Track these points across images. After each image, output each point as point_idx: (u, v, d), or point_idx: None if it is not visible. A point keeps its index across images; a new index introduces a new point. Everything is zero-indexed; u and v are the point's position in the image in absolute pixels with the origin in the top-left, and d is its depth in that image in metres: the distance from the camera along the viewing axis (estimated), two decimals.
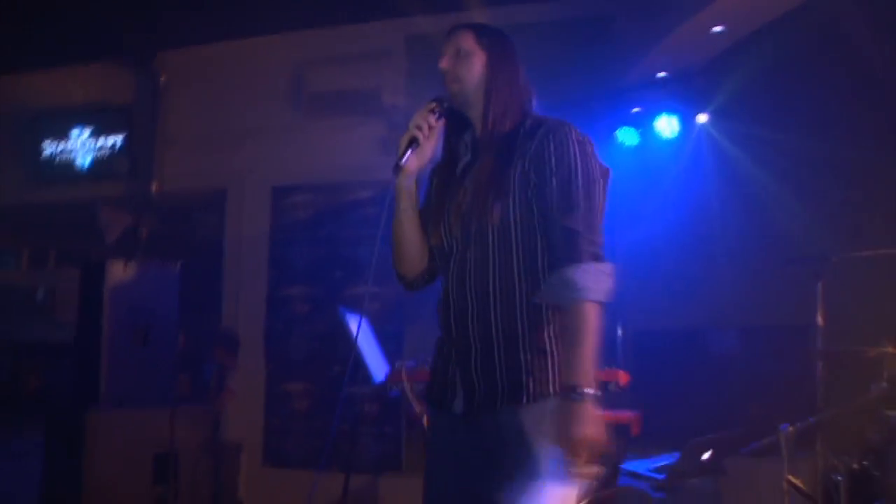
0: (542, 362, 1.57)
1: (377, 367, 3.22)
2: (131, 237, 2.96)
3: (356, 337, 2.86)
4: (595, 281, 1.51)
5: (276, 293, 5.27)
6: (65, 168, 5.91)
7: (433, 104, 1.73)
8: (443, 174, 1.79)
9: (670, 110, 4.21)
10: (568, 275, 1.52)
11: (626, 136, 4.38)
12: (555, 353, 1.57)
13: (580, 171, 1.59)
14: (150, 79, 5.69)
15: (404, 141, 1.70)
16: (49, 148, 5.95)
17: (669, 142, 4.24)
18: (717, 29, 3.78)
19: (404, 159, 1.68)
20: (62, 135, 5.92)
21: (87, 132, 5.87)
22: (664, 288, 4.12)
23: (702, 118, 4.13)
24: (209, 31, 5.39)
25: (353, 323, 3.03)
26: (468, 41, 1.72)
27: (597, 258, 1.53)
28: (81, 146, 5.87)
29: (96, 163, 5.82)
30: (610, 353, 3.98)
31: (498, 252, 1.62)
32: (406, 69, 5.20)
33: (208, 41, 5.55)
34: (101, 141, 5.83)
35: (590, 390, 1.48)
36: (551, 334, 1.58)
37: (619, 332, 4.16)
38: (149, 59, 5.60)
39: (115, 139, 5.76)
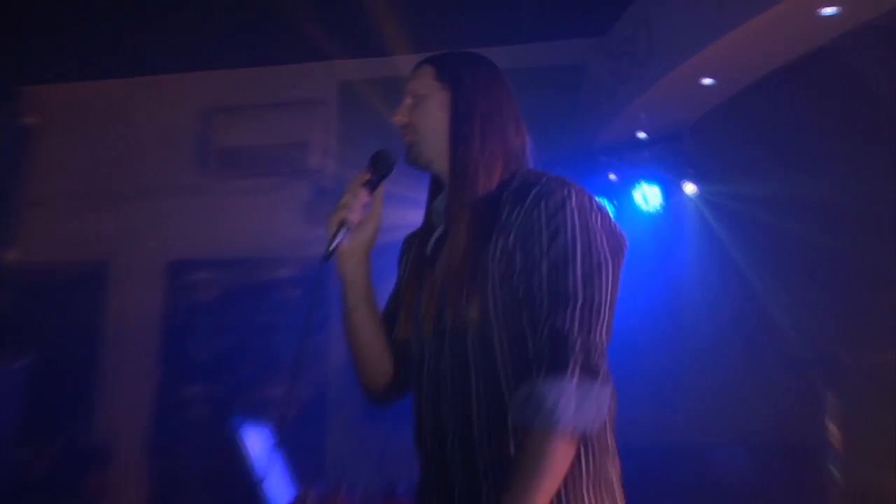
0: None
1: (279, 493, 3.03)
2: None
3: (255, 454, 2.67)
4: (577, 403, 1.31)
5: (167, 394, 5.03)
6: None
7: (366, 172, 1.60)
8: (417, 248, 1.66)
9: (651, 178, 4.22)
10: (539, 389, 1.33)
11: None
12: (561, 494, 1.38)
13: (580, 250, 1.41)
14: (10, 120, 5.44)
15: (333, 222, 1.56)
16: None
17: (649, 216, 4.23)
18: (707, 82, 3.80)
19: (334, 244, 1.55)
20: None
21: None
22: (645, 390, 3.98)
23: (689, 188, 4.14)
24: (92, 63, 5.24)
25: (253, 437, 2.84)
26: (424, 81, 1.62)
27: (591, 371, 1.33)
28: None
29: None
30: None
31: (479, 361, 1.46)
32: (338, 122, 5.21)
33: (91, 77, 5.42)
34: None
35: None
36: None
37: None
38: (10, 95, 5.37)
39: None
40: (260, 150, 5.14)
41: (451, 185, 1.55)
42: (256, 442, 2.80)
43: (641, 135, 4.34)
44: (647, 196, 4.21)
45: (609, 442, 1.46)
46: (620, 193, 4.33)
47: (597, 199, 1.49)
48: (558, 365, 1.33)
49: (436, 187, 1.65)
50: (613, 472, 1.47)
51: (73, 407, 5.23)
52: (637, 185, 4.24)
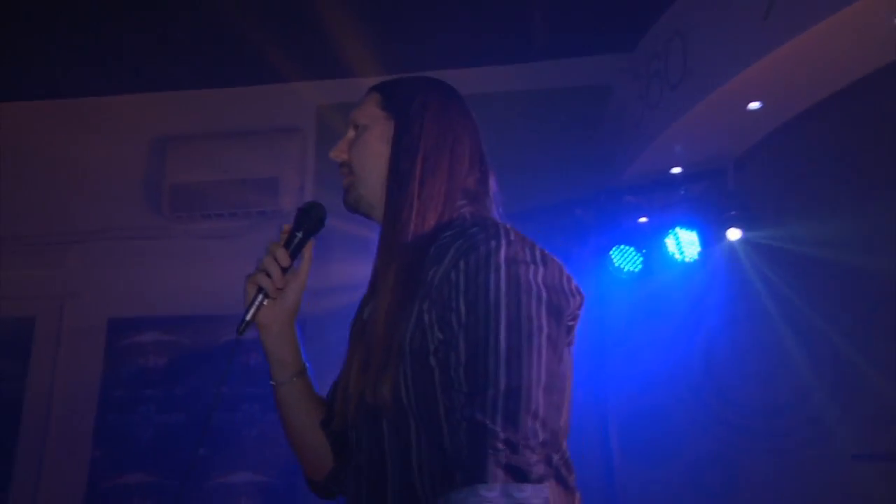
0: None
1: None
2: None
3: None
4: None
5: (101, 484, 4.97)
6: None
7: (285, 232, 1.64)
8: (357, 312, 1.66)
9: (687, 223, 4.20)
10: (455, 500, 1.26)
11: (625, 259, 4.36)
12: None
13: (504, 319, 1.32)
14: None
15: (249, 289, 1.61)
16: None
17: (684, 266, 4.21)
18: (753, 106, 3.78)
19: (249, 314, 1.59)
20: None
21: None
22: (682, 479, 4.06)
23: (733, 234, 4.09)
24: (23, 81, 5.29)
25: None
26: (368, 110, 1.64)
27: (518, 472, 1.25)
28: None
29: None
30: None
31: (395, 458, 1.43)
32: (315, 154, 5.23)
33: (19, 97, 5.44)
34: None
35: None
36: None
37: None
38: None
39: None
40: (221, 187, 5.13)
41: (382, 236, 1.55)
42: None
43: (676, 170, 4.33)
44: (683, 244, 4.18)
45: None
46: (650, 241, 4.32)
47: (540, 249, 1.43)
48: (476, 470, 1.26)
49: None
50: None
51: None
52: (671, 230, 4.22)
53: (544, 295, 1.37)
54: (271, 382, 1.67)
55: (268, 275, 1.60)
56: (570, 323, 1.45)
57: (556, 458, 1.33)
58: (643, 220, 4.42)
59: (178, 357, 5.18)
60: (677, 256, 4.21)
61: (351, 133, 1.66)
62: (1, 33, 4.82)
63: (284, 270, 1.63)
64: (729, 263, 4.13)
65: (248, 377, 4.93)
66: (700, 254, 4.17)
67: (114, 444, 5.05)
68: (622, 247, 4.39)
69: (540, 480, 1.27)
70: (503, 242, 1.38)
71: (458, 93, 1.68)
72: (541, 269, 1.39)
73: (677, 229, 4.22)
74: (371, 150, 1.61)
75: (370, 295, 1.62)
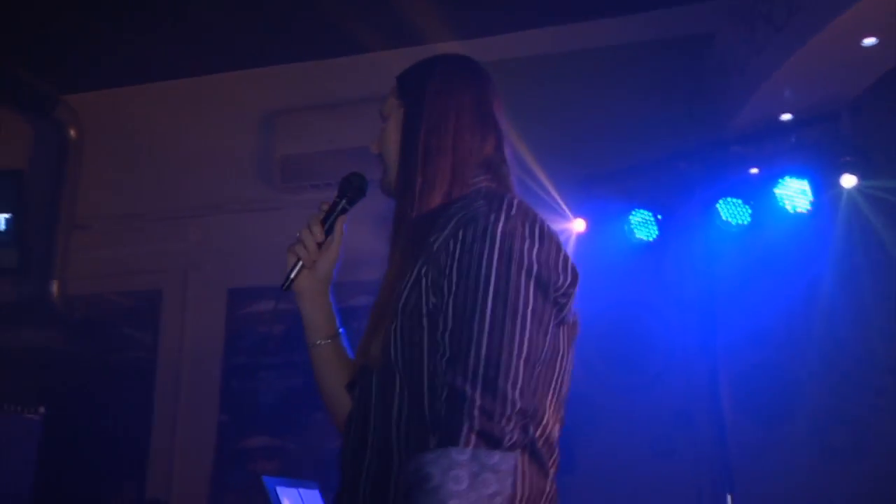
0: None
1: None
2: None
3: None
4: (470, 482, 1.26)
5: (229, 445, 5.13)
6: None
7: (325, 204, 1.77)
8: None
9: (798, 171, 4.03)
10: (424, 466, 1.29)
11: (733, 212, 4.20)
12: None
13: (492, 289, 1.36)
14: (50, 134, 5.68)
15: (289, 257, 1.76)
16: None
17: (795, 217, 4.05)
18: (869, 42, 3.58)
19: (288, 280, 1.75)
20: None
21: None
22: (803, 438, 3.94)
23: (847, 181, 3.93)
24: (138, 66, 5.47)
25: (290, 501, 2.83)
26: (389, 101, 1.71)
27: (491, 439, 1.28)
28: None
29: None
30: None
31: (378, 414, 1.49)
32: None
33: (136, 80, 5.62)
34: None
35: None
36: None
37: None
38: (50, 104, 5.59)
39: None
40: (329, 157, 5.14)
41: (395, 213, 1.63)
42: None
43: (786, 116, 4.16)
44: (794, 194, 4.00)
45: None
46: (759, 192, 4.15)
47: (540, 224, 1.45)
48: (451, 433, 1.29)
49: None
50: None
51: (122, 459, 5.43)
52: (781, 181, 4.04)
53: (534, 269, 1.40)
54: (308, 345, 1.79)
55: (304, 246, 1.73)
56: (562, 301, 1.47)
57: (533, 430, 1.39)
58: (754, 170, 4.23)
59: (294, 324, 5.24)
60: (788, 207, 4.05)
61: (382, 126, 1.73)
62: (114, 22, 5.00)
63: (319, 245, 1.75)
64: (843, 212, 3.96)
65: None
66: (812, 203, 3.98)
67: (239, 409, 5.21)
68: (730, 199, 4.23)
69: (512, 448, 1.31)
70: (502, 216, 1.42)
71: (471, 62, 1.72)
72: (536, 245, 1.42)
73: (787, 179, 4.05)
74: (390, 139, 1.68)
75: None
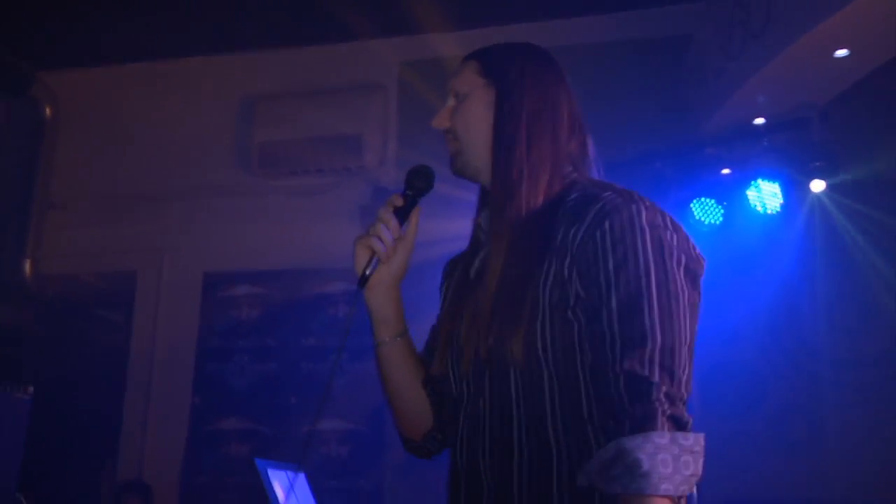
0: None
1: None
2: None
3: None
4: (674, 465, 1.30)
5: (201, 427, 5.15)
6: None
7: (397, 197, 1.65)
8: (461, 271, 1.69)
9: (770, 174, 4.11)
10: (630, 452, 1.31)
11: (705, 212, 4.28)
12: None
13: (654, 280, 1.39)
14: (25, 112, 5.65)
15: (361, 250, 1.62)
16: None
17: (765, 218, 4.13)
18: (840, 53, 3.67)
19: (369, 271, 1.61)
20: None
21: None
22: (765, 431, 4.02)
23: (816, 186, 4.01)
24: (119, 45, 5.43)
25: (280, 485, 2.85)
26: (467, 77, 1.65)
27: (679, 423, 1.32)
28: None
29: None
30: None
31: (524, 407, 1.47)
32: (398, 110, 5.23)
33: (115, 61, 5.58)
34: None
35: None
36: None
37: (695, 498, 3.96)
38: (25, 81, 5.55)
39: None
40: (308, 145, 5.17)
41: (493, 199, 1.57)
42: (281, 491, 2.81)
43: (759, 121, 4.22)
44: (765, 195, 4.09)
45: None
46: (731, 193, 4.23)
47: (669, 216, 1.48)
48: (646, 419, 1.32)
49: (484, 201, 1.68)
50: None
51: (96, 440, 5.42)
52: (753, 182, 4.12)
53: (683, 259, 1.44)
54: (375, 343, 1.68)
55: (381, 240, 1.62)
56: (699, 288, 1.50)
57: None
58: (726, 171, 4.31)
59: (269, 309, 5.28)
60: (759, 208, 4.13)
61: (452, 101, 1.66)
62: (95, 1, 4.93)
63: (394, 240, 1.65)
64: (812, 215, 4.05)
65: (335, 329, 5.03)
66: (782, 205, 4.07)
67: (212, 392, 5.22)
68: (703, 199, 4.30)
69: (692, 429, 1.34)
70: (643, 208, 1.44)
71: (555, 60, 1.68)
72: (677, 235, 1.45)
73: (759, 181, 4.13)
74: (475, 116, 1.61)
75: (471, 253, 1.68)
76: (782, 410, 4.08)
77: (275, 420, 5.03)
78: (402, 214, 1.65)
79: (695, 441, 1.32)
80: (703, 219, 4.30)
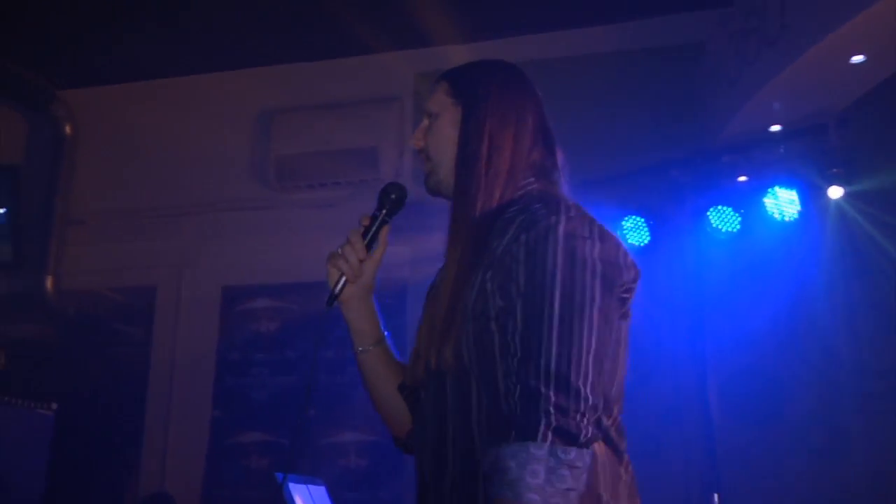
0: None
1: None
2: None
3: None
4: (546, 476, 1.32)
5: (222, 441, 5.16)
6: None
7: (366, 218, 1.74)
8: (435, 282, 1.74)
9: (787, 181, 4.09)
10: (503, 459, 1.35)
11: (723, 220, 4.27)
12: None
13: (559, 290, 1.42)
14: (46, 130, 5.70)
15: (332, 271, 1.72)
16: None
17: (783, 226, 4.12)
18: (857, 59, 3.64)
19: (335, 293, 1.72)
20: None
21: None
22: (787, 441, 3.99)
23: (834, 192, 3.98)
24: (136, 63, 5.47)
25: (301, 498, 2.87)
26: (439, 98, 1.71)
27: (566, 435, 1.34)
28: None
29: None
30: None
31: (456, 412, 1.54)
32: (414, 121, 5.23)
33: (134, 77, 5.62)
34: None
35: None
36: None
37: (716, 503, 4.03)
38: (45, 99, 5.59)
39: None
40: (324, 158, 5.19)
41: (451, 213, 1.63)
42: (308, 500, 2.83)
43: (775, 128, 4.20)
44: (782, 203, 4.06)
45: None
46: (748, 201, 4.20)
47: (599, 225, 1.50)
48: (527, 428, 1.35)
49: None
50: None
51: (119, 454, 5.43)
52: (770, 190, 4.10)
53: (598, 268, 1.45)
54: (354, 350, 1.78)
55: (347, 261, 1.71)
56: (624, 295, 1.52)
57: (606, 421, 1.45)
58: (742, 179, 4.29)
59: (288, 322, 5.29)
60: (776, 216, 4.11)
61: (425, 122, 1.73)
62: (112, 19, 4.99)
63: (361, 260, 1.73)
64: (830, 222, 4.01)
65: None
66: (800, 213, 4.05)
67: (232, 405, 5.23)
68: (720, 207, 4.29)
69: (587, 444, 1.36)
70: (563, 218, 1.46)
71: (523, 73, 1.74)
72: (598, 244, 1.47)
73: (776, 188, 4.11)
74: (443, 135, 1.68)
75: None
76: (803, 418, 4.03)
77: (293, 432, 5.03)
78: (371, 234, 1.73)
79: (577, 456, 1.34)
80: (720, 227, 4.28)
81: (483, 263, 1.51)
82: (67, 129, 5.68)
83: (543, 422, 1.34)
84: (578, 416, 1.36)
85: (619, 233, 4.53)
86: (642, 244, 4.50)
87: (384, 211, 1.74)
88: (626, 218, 4.52)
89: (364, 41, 5.03)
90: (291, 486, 2.82)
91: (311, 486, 3.02)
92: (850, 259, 3.94)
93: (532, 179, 1.62)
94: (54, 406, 3.13)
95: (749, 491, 4.06)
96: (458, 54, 4.96)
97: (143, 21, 5.03)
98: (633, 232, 4.52)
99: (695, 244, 4.39)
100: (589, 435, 1.37)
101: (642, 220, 4.49)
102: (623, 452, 1.52)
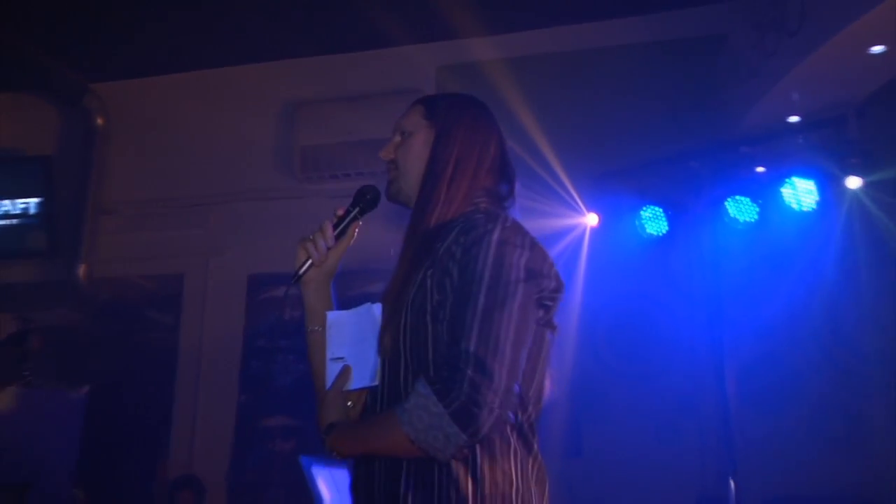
0: None
1: None
2: (13, 350, 2.87)
3: (324, 502, 2.74)
4: (427, 426, 1.52)
5: (248, 425, 5.19)
6: None
7: (340, 210, 1.91)
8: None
9: (805, 172, 4.07)
10: (416, 392, 1.56)
11: (741, 210, 4.26)
12: None
13: (486, 284, 1.58)
14: (78, 122, 5.75)
15: (300, 253, 1.89)
16: None
17: (800, 216, 4.10)
18: (876, 50, 3.62)
19: (299, 273, 1.89)
20: None
21: None
22: (802, 427, 4.00)
23: (853, 182, 3.96)
24: (164, 57, 5.53)
25: (324, 480, 2.90)
26: (413, 119, 1.89)
27: (468, 415, 1.51)
28: None
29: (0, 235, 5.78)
30: None
31: (387, 393, 1.70)
32: None
33: (162, 70, 5.68)
34: (5, 205, 5.77)
35: (329, 440, 1.73)
36: None
37: (732, 493, 4.02)
38: (78, 92, 5.65)
39: (28, 203, 5.74)
40: (348, 148, 5.20)
41: (410, 220, 1.80)
42: (325, 487, 2.86)
43: (794, 119, 4.18)
44: (800, 193, 4.04)
45: None
46: (766, 191, 4.18)
47: (531, 238, 1.68)
48: (444, 390, 1.53)
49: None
50: None
51: (148, 436, 5.49)
52: (788, 180, 4.07)
53: (522, 274, 1.62)
54: (306, 329, 1.92)
55: (315, 247, 1.87)
56: (548, 303, 1.70)
57: (521, 416, 1.64)
58: (760, 170, 4.27)
59: None
60: (794, 206, 4.08)
61: (397, 137, 1.91)
62: (142, 13, 5.04)
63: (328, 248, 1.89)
64: (849, 212, 3.99)
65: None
66: (818, 203, 4.02)
67: (257, 390, 5.25)
68: (738, 197, 4.27)
69: (484, 424, 1.52)
70: (499, 227, 1.64)
71: (489, 109, 1.93)
72: (526, 253, 1.64)
73: (794, 178, 4.08)
74: (414, 152, 1.86)
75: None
76: (820, 405, 4.03)
77: (316, 418, 5.06)
78: (342, 226, 1.89)
79: (459, 434, 1.51)
80: (738, 217, 4.26)
81: (425, 263, 1.68)
82: (99, 121, 5.73)
83: (455, 392, 1.51)
84: (489, 393, 1.51)
85: (637, 222, 4.55)
86: (660, 234, 4.50)
87: (357, 208, 1.90)
88: (645, 207, 4.51)
89: (386, 34, 5.01)
90: (314, 468, 2.85)
91: (333, 470, 3.04)
92: (867, 249, 3.92)
93: (484, 198, 1.80)
94: (86, 389, 3.18)
95: (764, 476, 4.05)
96: (480, 47, 4.98)
97: (172, 16, 5.06)
98: (652, 222, 4.51)
99: (713, 234, 4.38)
100: (495, 409, 1.52)
101: (660, 209, 4.49)
102: (533, 446, 1.68)
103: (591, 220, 4.56)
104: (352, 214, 1.90)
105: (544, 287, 1.67)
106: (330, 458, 3.05)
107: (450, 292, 1.61)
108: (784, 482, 4.02)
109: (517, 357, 1.57)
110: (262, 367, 5.28)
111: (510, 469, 1.61)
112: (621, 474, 4.19)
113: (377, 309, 1.76)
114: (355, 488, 1.75)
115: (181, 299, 5.57)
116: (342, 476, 3.12)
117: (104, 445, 4.56)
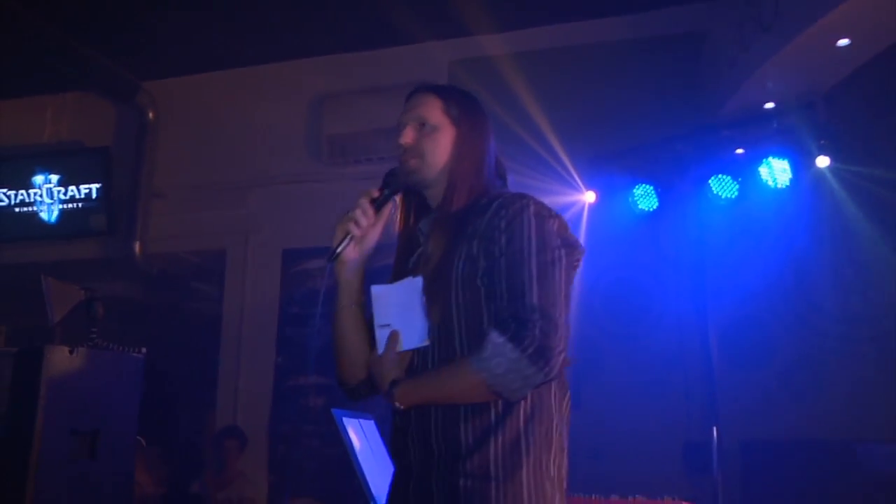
0: (486, 490, 1.59)
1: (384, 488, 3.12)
2: (83, 316, 3.00)
3: (355, 449, 2.79)
4: (505, 371, 1.54)
5: (284, 383, 5.29)
6: (25, 224, 5.92)
7: (374, 191, 1.83)
8: (397, 264, 1.87)
9: (779, 153, 4.12)
10: (490, 341, 1.56)
11: (722, 187, 4.32)
12: (500, 476, 1.60)
13: (535, 249, 1.64)
14: (132, 115, 5.85)
15: (339, 231, 1.80)
16: (5, 198, 6.02)
17: (776, 192, 4.15)
18: (843, 43, 3.67)
19: (339, 250, 1.79)
20: (23, 182, 5.96)
21: (53, 179, 5.93)
22: (776, 379, 4.07)
23: (822, 161, 4.02)
24: (207, 56, 5.62)
25: (354, 430, 2.96)
26: (435, 113, 1.84)
27: (542, 356, 1.54)
28: (47, 196, 5.93)
29: (65, 217, 5.84)
30: (703, 469, 3.91)
31: (438, 359, 1.68)
32: None
33: (205, 69, 5.77)
34: (71, 191, 5.89)
35: (397, 393, 1.66)
36: (498, 453, 1.61)
37: (714, 438, 4.08)
38: (132, 90, 5.75)
39: (89, 188, 5.84)
40: (370, 136, 5.25)
41: (441, 205, 1.79)
42: (355, 436, 2.92)
43: (769, 105, 4.22)
44: (775, 172, 4.10)
45: (554, 439, 1.67)
46: (745, 170, 4.24)
47: (553, 210, 1.73)
48: (517, 337, 1.56)
49: (418, 208, 1.88)
50: (555, 469, 1.66)
51: (197, 393, 5.62)
52: (764, 160, 4.13)
53: (559, 239, 1.69)
54: (337, 304, 1.86)
55: (356, 224, 1.79)
56: (576, 263, 1.75)
57: (564, 355, 1.64)
58: (739, 151, 4.33)
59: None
60: (770, 183, 4.14)
61: (416, 124, 1.83)
62: (187, 17, 5.12)
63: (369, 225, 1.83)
64: (818, 189, 4.04)
65: None
66: (791, 180, 4.08)
67: (292, 352, 5.35)
68: (720, 176, 4.32)
69: (551, 370, 1.57)
70: (531, 202, 1.70)
71: (486, 112, 1.95)
72: (557, 222, 1.71)
73: (770, 159, 4.13)
74: (442, 147, 1.82)
75: (405, 253, 1.88)
76: (791, 361, 4.09)
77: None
78: (378, 205, 1.81)
79: (536, 374, 1.55)
80: (720, 193, 4.32)
81: (464, 237, 1.69)
82: (150, 115, 5.81)
83: (529, 338, 1.55)
84: (557, 339, 1.57)
85: (631, 199, 4.61)
86: (651, 209, 4.55)
87: (391, 189, 1.83)
88: (637, 186, 4.57)
89: (403, 33, 5.09)
90: (345, 419, 2.91)
91: (361, 420, 3.10)
92: (834, 221, 3.96)
93: (501, 184, 1.87)
94: (143, 350, 3.29)
95: (744, 425, 4.12)
96: (489, 43, 5.03)
97: (214, 22, 5.16)
98: (644, 198, 4.57)
99: (698, 209, 4.43)
100: (562, 351, 1.58)
101: (651, 187, 4.55)
102: (567, 387, 1.72)
103: (590, 197, 4.62)
104: (387, 194, 1.82)
105: (577, 255, 1.73)
106: (357, 412, 3.12)
107: (499, 256, 1.63)
108: (760, 427, 4.10)
109: (568, 308, 1.64)
110: (295, 332, 5.36)
111: (551, 407, 1.65)
112: (616, 424, 4.26)
113: (419, 282, 1.71)
114: (405, 437, 1.70)
115: (224, 272, 5.69)
116: (370, 426, 3.19)
117: (160, 400, 4.69)
